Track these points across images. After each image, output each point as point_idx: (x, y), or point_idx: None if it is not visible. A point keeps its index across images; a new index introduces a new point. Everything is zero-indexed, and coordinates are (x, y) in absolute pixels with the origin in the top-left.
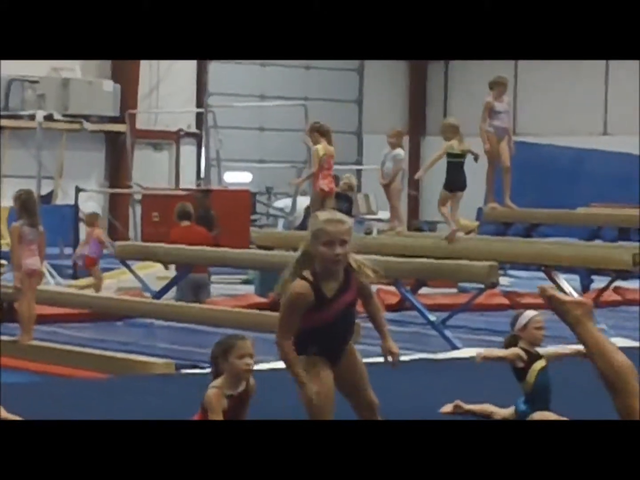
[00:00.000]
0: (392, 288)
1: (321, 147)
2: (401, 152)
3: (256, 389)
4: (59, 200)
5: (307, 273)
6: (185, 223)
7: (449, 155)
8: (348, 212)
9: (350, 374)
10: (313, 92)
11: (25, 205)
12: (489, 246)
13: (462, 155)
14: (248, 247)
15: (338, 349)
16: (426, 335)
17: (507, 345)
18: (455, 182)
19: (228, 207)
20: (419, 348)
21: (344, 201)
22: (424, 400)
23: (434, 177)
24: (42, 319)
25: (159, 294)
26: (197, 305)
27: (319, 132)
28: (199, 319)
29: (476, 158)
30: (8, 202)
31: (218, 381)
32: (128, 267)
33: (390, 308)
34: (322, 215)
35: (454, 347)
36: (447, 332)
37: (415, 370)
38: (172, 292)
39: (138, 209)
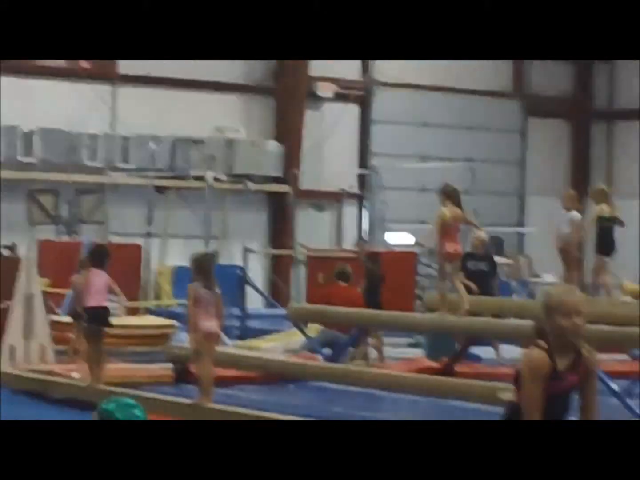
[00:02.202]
0: None
1: (446, 210)
2: (577, 215)
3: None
4: (222, 260)
5: (542, 342)
6: (343, 284)
7: (600, 219)
8: (491, 272)
9: None
10: (475, 153)
11: (201, 267)
12: None
13: (612, 219)
14: (413, 310)
15: None
16: (603, 404)
17: None
18: (607, 245)
19: (394, 268)
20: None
21: (481, 260)
22: None
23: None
24: (215, 381)
25: (331, 357)
26: (370, 369)
27: (445, 194)
28: (372, 383)
29: (622, 224)
30: (172, 261)
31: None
32: (301, 329)
33: None
34: (557, 288)
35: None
36: (630, 402)
37: None
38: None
39: (301, 269)
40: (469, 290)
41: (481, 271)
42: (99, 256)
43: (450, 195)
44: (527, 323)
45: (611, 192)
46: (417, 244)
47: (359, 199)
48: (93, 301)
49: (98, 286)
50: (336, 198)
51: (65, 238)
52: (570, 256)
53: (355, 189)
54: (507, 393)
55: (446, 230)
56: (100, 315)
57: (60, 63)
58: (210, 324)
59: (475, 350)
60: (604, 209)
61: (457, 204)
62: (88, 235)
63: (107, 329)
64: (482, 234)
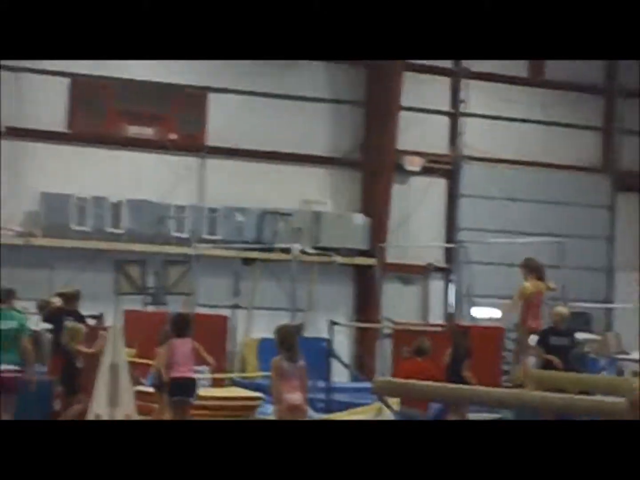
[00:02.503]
0: None
1: (529, 285)
2: None
3: None
4: (308, 333)
5: None
6: (419, 359)
7: None
8: (571, 347)
9: None
10: (563, 229)
11: (285, 339)
12: None
13: None
14: (499, 385)
15: None
16: None
17: None
18: None
19: (481, 343)
20: None
21: (564, 335)
22: None
23: None
24: None
25: None
26: None
27: (528, 268)
28: None
29: None
30: (258, 333)
31: None
32: (386, 403)
33: None
34: None
35: None
36: None
37: None
38: None
39: (386, 342)
40: (552, 366)
41: (564, 346)
42: (181, 325)
43: (533, 269)
44: (615, 400)
45: None
46: (496, 319)
47: (446, 272)
48: (178, 372)
49: (183, 356)
50: (423, 272)
51: (151, 308)
52: None
53: (442, 263)
54: None
55: (529, 304)
56: (185, 387)
57: (149, 134)
58: (294, 397)
59: None
60: None
61: (540, 277)
62: (175, 306)
63: (192, 400)
64: (563, 308)
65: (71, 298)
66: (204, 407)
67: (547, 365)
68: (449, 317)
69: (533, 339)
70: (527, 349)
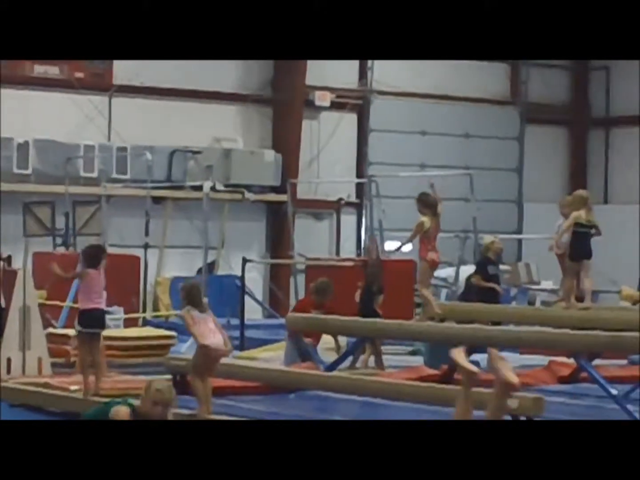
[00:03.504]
0: (564, 359)
1: (426, 220)
2: None
3: None
4: (221, 271)
5: None
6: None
7: (576, 224)
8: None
9: None
10: (473, 161)
11: (189, 295)
12: None
13: (589, 225)
14: (412, 318)
15: None
16: (602, 408)
17: None
18: (581, 251)
19: (393, 277)
20: None
21: (496, 265)
22: None
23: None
24: (214, 392)
25: (331, 366)
26: (372, 378)
27: (422, 202)
28: (373, 391)
29: (598, 234)
30: (170, 272)
31: None
32: (300, 339)
33: (563, 380)
34: None
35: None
36: (630, 407)
37: None
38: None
39: (299, 278)
40: (496, 296)
41: (497, 275)
42: (93, 256)
43: (427, 204)
44: (526, 330)
45: (591, 199)
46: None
47: (358, 207)
48: (91, 304)
49: (95, 287)
50: (334, 207)
51: (61, 250)
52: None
53: (353, 198)
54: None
55: (427, 238)
56: (94, 318)
57: (55, 73)
58: (214, 340)
59: (475, 357)
60: (581, 215)
61: (435, 213)
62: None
63: (107, 342)
64: (498, 240)
65: None
66: (118, 348)
67: (484, 293)
68: (362, 251)
69: (447, 272)
70: (429, 282)
